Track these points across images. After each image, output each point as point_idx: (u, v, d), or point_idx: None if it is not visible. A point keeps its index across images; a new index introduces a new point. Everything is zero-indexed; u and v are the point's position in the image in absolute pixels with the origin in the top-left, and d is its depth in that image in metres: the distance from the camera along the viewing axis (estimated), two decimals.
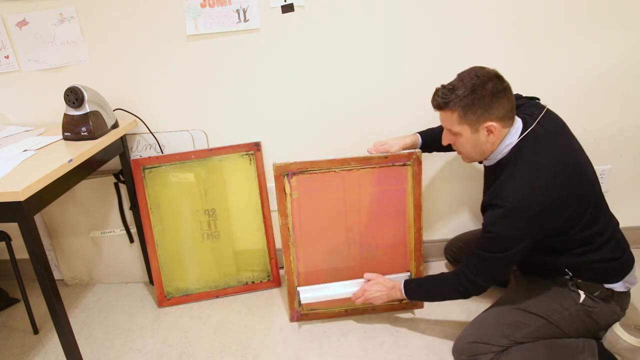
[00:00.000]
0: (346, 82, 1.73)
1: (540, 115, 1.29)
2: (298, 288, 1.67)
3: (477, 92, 1.21)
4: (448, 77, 1.70)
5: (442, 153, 1.68)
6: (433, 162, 1.85)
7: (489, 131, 1.25)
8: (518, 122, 1.29)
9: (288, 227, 1.64)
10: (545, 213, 1.21)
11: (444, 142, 1.36)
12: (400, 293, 1.50)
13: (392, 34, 1.66)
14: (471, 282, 1.32)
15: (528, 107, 1.36)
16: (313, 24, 1.65)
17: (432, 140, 1.60)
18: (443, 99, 1.25)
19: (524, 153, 1.25)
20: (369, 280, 1.61)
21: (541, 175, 1.21)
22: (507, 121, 1.26)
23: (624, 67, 1.69)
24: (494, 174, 1.32)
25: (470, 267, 1.33)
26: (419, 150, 1.58)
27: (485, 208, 1.30)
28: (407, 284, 1.50)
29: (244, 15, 1.64)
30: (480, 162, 1.44)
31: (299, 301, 1.66)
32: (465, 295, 1.37)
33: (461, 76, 1.25)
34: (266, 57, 1.71)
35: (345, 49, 1.68)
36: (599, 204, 1.32)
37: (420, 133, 1.61)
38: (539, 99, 1.44)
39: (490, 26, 1.64)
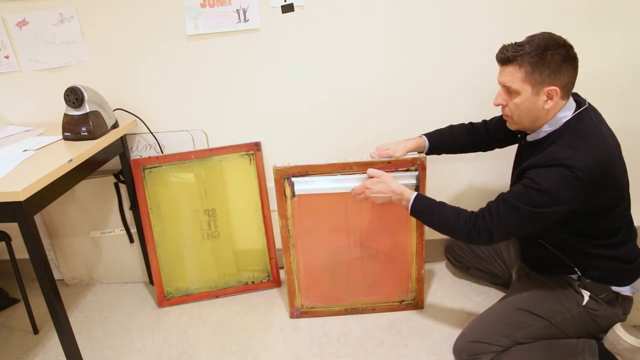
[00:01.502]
0: (346, 82, 1.73)
1: (587, 102, 1.29)
2: (293, 178, 1.53)
3: (549, 52, 1.17)
4: (448, 78, 1.71)
5: (450, 155, 1.65)
6: (435, 161, 1.84)
7: (549, 97, 1.21)
8: (571, 100, 1.27)
9: (288, 229, 1.63)
10: (596, 185, 1.18)
11: (496, 102, 1.31)
12: (405, 203, 1.39)
13: (392, 34, 1.66)
14: (486, 228, 1.25)
15: (573, 94, 1.33)
16: (313, 24, 1.65)
17: (440, 143, 1.57)
18: (513, 52, 1.20)
19: (581, 127, 1.23)
20: (371, 177, 1.47)
21: (599, 149, 1.19)
22: (567, 93, 1.24)
23: (624, 67, 1.69)
24: (541, 147, 1.27)
25: (493, 213, 1.25)
26: (424, 155, 1.53)
27: (530, 169, 1.24)
28: (418, 199, 1.38)
29: (244, 15, 1.64)
30: (520, 140, 1.42)
31: (293, 192, 1.53)
32: (471, 238, 1.28)
33: (532, 36, 1.22)
34: (266, 57, 1.71)
35: (346, 49, 1.68)
36: (629, 202, 1.32)
37: (427, 135, 1.58)
38: (577, 94, 1.43)
39: (489, 26, 1.64)
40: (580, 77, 1.68)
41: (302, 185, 1.53)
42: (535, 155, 1.27)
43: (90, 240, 1.97)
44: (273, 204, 1.86)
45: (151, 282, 1.98)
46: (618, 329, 1.33)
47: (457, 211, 1.33)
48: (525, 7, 1.61)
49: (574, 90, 1.33)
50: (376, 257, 1.69)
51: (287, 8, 1.63)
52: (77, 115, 1.54)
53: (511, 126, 1.34)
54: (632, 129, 1.78)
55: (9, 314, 1.93)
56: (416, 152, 1.56)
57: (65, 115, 1.55)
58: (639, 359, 1.31)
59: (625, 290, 1.32)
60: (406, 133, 1.64)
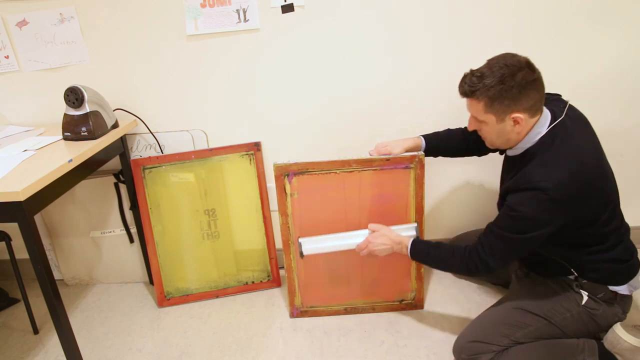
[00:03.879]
0: (347, 82, 1.73)
1: (566, 109, 1.29)
2: (300, 239, 1.56)
3: (506, 83, 1.17)
4: (449, 79, 1.70)
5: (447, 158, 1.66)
6: (435, 161, 1.84)
7: (515, 122, 1.22)
8: (546, 113, 1.27)
9: (288, 227, 1.64)
10: (575, 200, 1.19)
11: (470, 128, 1.34)
12: (405, 250, 1.44)
13: (393, 34, 1.66)
14: (482, 260, 1.28)
15: (552, 100, 1.34)
16: (313, 24, 1.65)
17: (437, 145, 1.58)
18: (470, 87, 1.22)
19: (555, 142, 1.23)
20: (373, 232, 1.50)
21: (573, 163, 1.19)
22: (535, 112, 1.24)
23: (625, 66, 1.69)
24: (520, 163, 1.29)
25: (485, 244, 1.28)
26: (422, 152, 1.56)
27: (508, 192, 1.26)
28: (415, 244, 1.43)
29: (244, 15, 1.64)
30: (501, 153, 1.43)
31: (301, 252, 1.55)
32: (471, 272, 1.33)
33: (491, 64, 1.21)
34: (266, 57, 1.71)
35: (346, 49, 1.68)
36: (617, 204, 1.32)
37: (424, 136, 1.59)
38: (560, 95, 1.43)
39: (490, 26, 1.64)
40: (580, 77, 1.70)
41: (309, 244, 1.54)
42: (514, 173, 1.30)
43: (90, 240, 1.97)
44: (273, 204, 1.86)
45: (151, 282, 1.98)
46: (618, 329, 1.33)
47: (452, 249, 1.37)
48: (527, 8, 1.61)
49: (553, 92, 1.34)
50: (375, 256, 1.69)
51: (287, 8, 1.63)
52: (77, 115, 1.54)
53: (488, 146, 1.37)
54: (632, 129, 1.78)
55: (9, 314, 1.93)
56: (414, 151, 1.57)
57: (65, 115, 1.55)
58: (639, 359, 1.31)
59: (622, 289, 1.32)
60: (407, 134, 1.64)
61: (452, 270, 1.41)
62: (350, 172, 1.58)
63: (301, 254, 1.55)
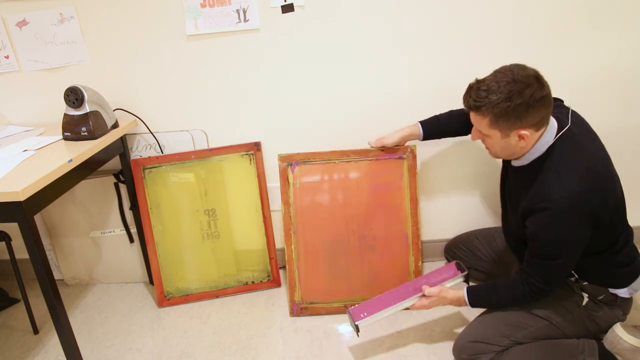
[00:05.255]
0: (347, 83, 1.73)
1: (570, 115, 1.27)
2: (357, 322, 1.45)
3: (513, 100, 1.13)
4: (449, 80, 1.71)
5: (447, 140, 1.66)
6: (435, 161, 1.85)
7: (521, 137, 1.19)
8: (552, 122, 1.24)
9: (290, 216, 1.69)
10: (595, 212, 1.17)
11: (473, 139, 1.30)
12: (465, 304, 1.41)
13: (394, 34, 1.66)
14: (540, 288, 1.27)
15: (555, 107, 1.29)
16: (313, 24, 1.65)
17: (437, 129, 1.59)
18: (475, 102, 1.18)
19: (564, 152, 1.20)
20: (427, 296, 1.44)
21: (590, 174, 1.18)
22: (542, 126, 1.20)
23: (624, 67, 1.69)
24: (528, 173, 1.26)
25: (536, 273, 1.27)
26: (414, 144, 1.61)
27: (526, 215, 1.23)
28: (470, 295, 1.40)
29: (244, 15, 1.64)
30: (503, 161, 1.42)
31: (357, 329, 1.44)
32: (533, 302, 1.32)
33: (498, 77, 1.16)
34: (266, 57, 1.71)
35: (346, 49, 1.68)
36: (625, 207, 1.31)
37: (422, 122, 1.59)
38: (562, 100, 1.41)
39: (491, 27, 1.63)
40: (579, 77, 1.70)
41: (367, 321, 1.45)
42: (524, 186, 1.26)
43: (90, 240, 1.97)
44: (273, 204, 1.86)
45: (151, 282, 1.98)
46: (618, 329, 1.33)
47: (508, 285, 1.34)
48: (526, 9, 1.61)
49: (555, 96, 1.33)
50: (374, 248, 1.73)
51: (287, 8, 1.63)
52: (77, 115, 1.54)
53: (492, 156, 1.33)
54: (632, 129, 1.78)
55: (9, 314, 1.93)
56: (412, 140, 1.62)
57: (65, 115, 1.55)
58: (639, 359, 1.31)
59: (622, 292, 1.32)
60: None
61: (517, 304, 1.36)
62: (349, 162, 1.69)
63: (357, 331, 1.46)
